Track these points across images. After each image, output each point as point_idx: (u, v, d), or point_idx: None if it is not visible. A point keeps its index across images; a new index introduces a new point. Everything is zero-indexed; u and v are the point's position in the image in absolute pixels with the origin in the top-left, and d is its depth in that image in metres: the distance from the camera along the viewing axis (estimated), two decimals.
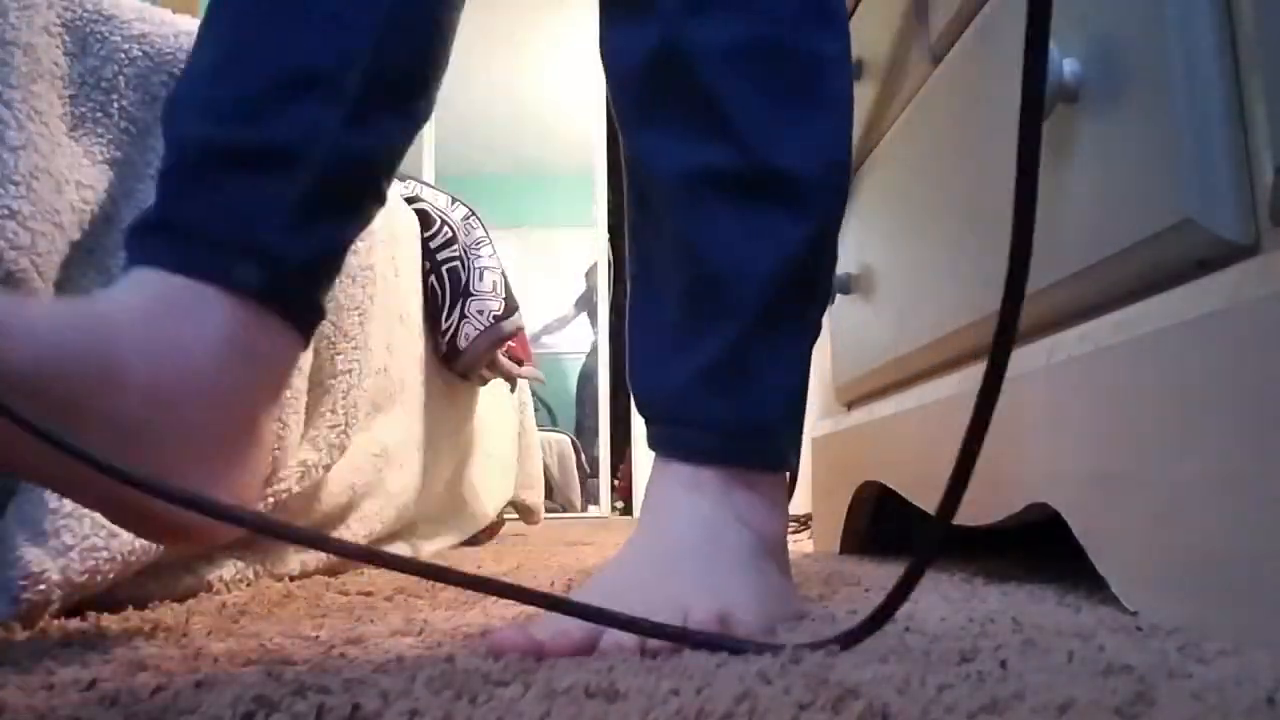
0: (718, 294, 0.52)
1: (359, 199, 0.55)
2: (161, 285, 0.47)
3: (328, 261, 0.55)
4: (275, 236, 0.50)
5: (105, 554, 0.56)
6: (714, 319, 0.52)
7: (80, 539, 0.55)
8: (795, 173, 0.52)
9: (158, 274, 0.47)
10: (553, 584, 0.72)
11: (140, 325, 0.45)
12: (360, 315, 0.87)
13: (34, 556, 0.53)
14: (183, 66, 0.69)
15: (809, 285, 0.53)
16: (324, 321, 0.57)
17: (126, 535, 0.57)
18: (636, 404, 0.57)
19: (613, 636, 0.39)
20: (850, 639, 0.37)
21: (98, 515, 0.55)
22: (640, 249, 0.57)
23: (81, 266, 0.63)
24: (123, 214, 0.66)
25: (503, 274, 1.27)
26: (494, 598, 0.64)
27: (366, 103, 0.53)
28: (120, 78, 0.65)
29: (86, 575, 0.54)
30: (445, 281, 1.19)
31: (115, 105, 0.65)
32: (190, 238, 0.48)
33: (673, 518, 0.50)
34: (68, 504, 0.55)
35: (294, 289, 0.51)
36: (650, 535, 0.50)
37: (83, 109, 0.64)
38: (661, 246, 0.54)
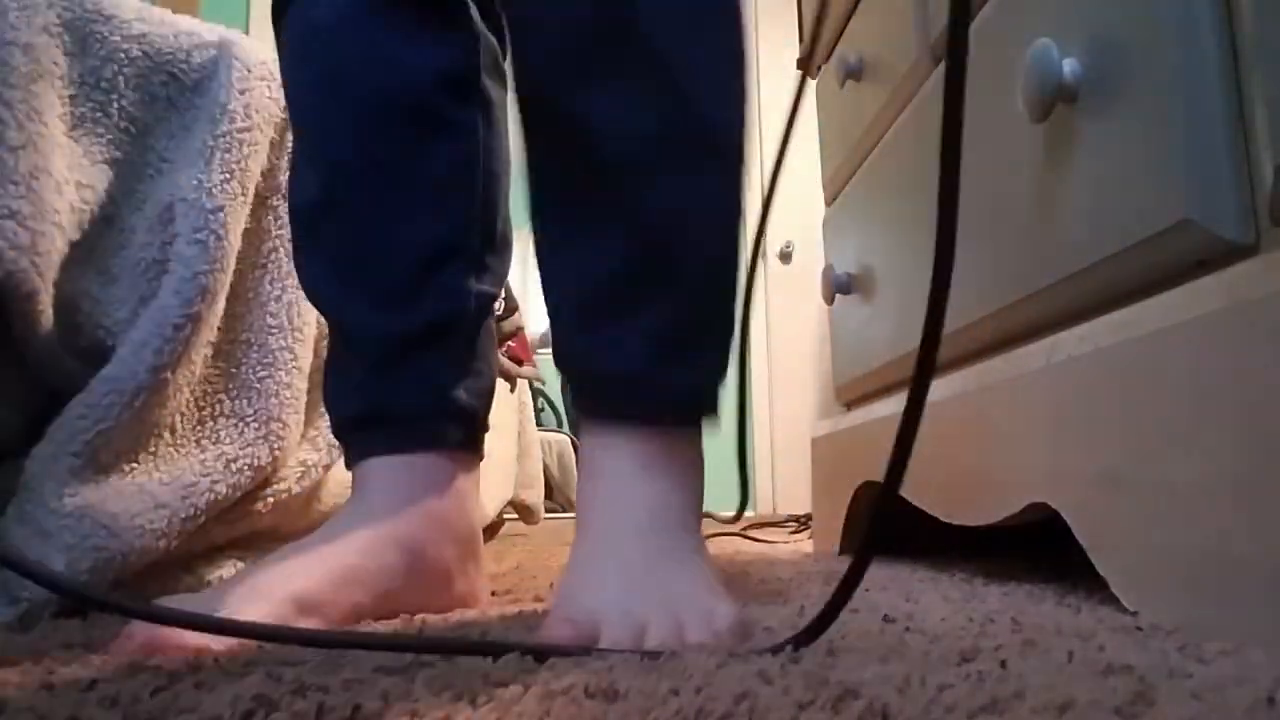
0: (667, 260, 0.52)
1: (490, 329, 0.66)
2: (400, 475, 0.58)
3: (491, 389, 0.66)
4: (460, 392, 0.61)
5: (105, 554, 0.56)
6: (663, 285, 0.52)
7: (80, 539, 0.55)
8: (729, 131, 0.53)
9: (395, 464, 0.58)
10: (552, 584, 0.72)
11: (420, 518, 0.57)
12: None
13: (37, 553, 0.53)
14: (183, 68, 0.69)
15: (738, 246, 0.55)
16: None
17: (127, 536, 0.57)
18: (569, 369, 0.56)
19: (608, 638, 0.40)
20: (805, 638, 0.37)
21: (98, 516, 0.56)
22: (555, 212, 0.55)
23: (81, 266, 0.63)
24: (123, 213, 0.66)
25: None
26: (498, 596, 0.64)
27: (484, 253, 0.64)
28: (120, 78, 0.65)
29: (87, 575, 0.54)
30: None
31: (115, 105, 0.65)
32: (405, 421, 0.59)
33: (626, 498, 0.51)
34: (68, 504, 0.55)
35: (480, 425, 0.64)
36: (607, 535, 0.50)
37: (83, 109, 0.64)
38: (590, 209, 0.53)
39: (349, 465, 0.61)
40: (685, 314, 0.53)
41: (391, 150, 0.60)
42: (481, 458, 0.65)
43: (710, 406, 0.55)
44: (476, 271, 0.63)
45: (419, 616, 0.54)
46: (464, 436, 0.61)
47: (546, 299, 0.56)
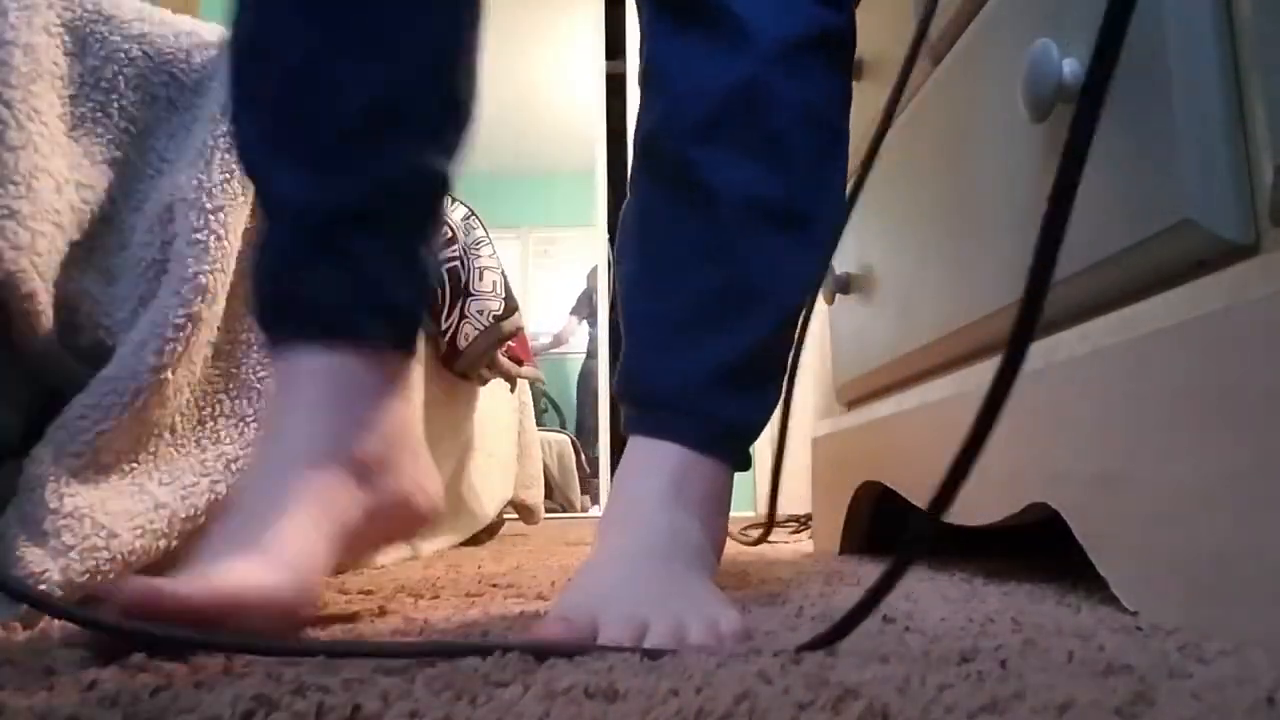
0: (750, 304, 0.58)
1: (439, 218, 0.60)
2: (328, 375, 0.52)
3: (429, 288, 0.60)
4: (396, 285, 0.55)
5: (105, 554, 0.56)
6: (741, 324, 0.58)
7: (80, 539, 0.55)
8: (824, 221, 0.62)
9: (319, 363, 0.52)
10: (553, 583, 0.72)
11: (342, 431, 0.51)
12: None
13: (35, 556, 0.53)
14: (183, 68, 0.69)
15: (801, 314, 0.62)
16: None
17: (127, 536, 0.57)
18: (628, 384, 0.59)
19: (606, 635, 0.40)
20: (831, 637, 0.37)
21: (98, 516, 0.56)
22: (655, 246, 0.60)
23: (81, 266, 0.63)
24: (123, 213, 0.66)
25: (503, 274, 1.27)
26: (499, 596, 0.64)
27: (441, 121, 0.56)
28: (120, 78, 0.65)
29: (87, 575, 0.54)
30: (445, 281, 1.19)
31: (115, 105, 0.65)
32: (330, 311, 0.52)
33: (649, 521, 0.52)
34: (68, 504, 0.55)
35: (411, 326, 0.57)
36: (622, 548, 0.51)
37: (83, 109, 0.64)
38: (690, 247, 0.58)
39: (271, 352, 0.55)
40: (748, 354, 0.58)
41: None
42: (413, 357, 0.58)
43: (744, 448, 0.59)
44: (429, 141, 0.55)
45: (421, 618, 0.54)
46: (396, 335, 0.55)
47: (624, 316, 0.61)
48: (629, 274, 0.62)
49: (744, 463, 0.59)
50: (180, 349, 0.62)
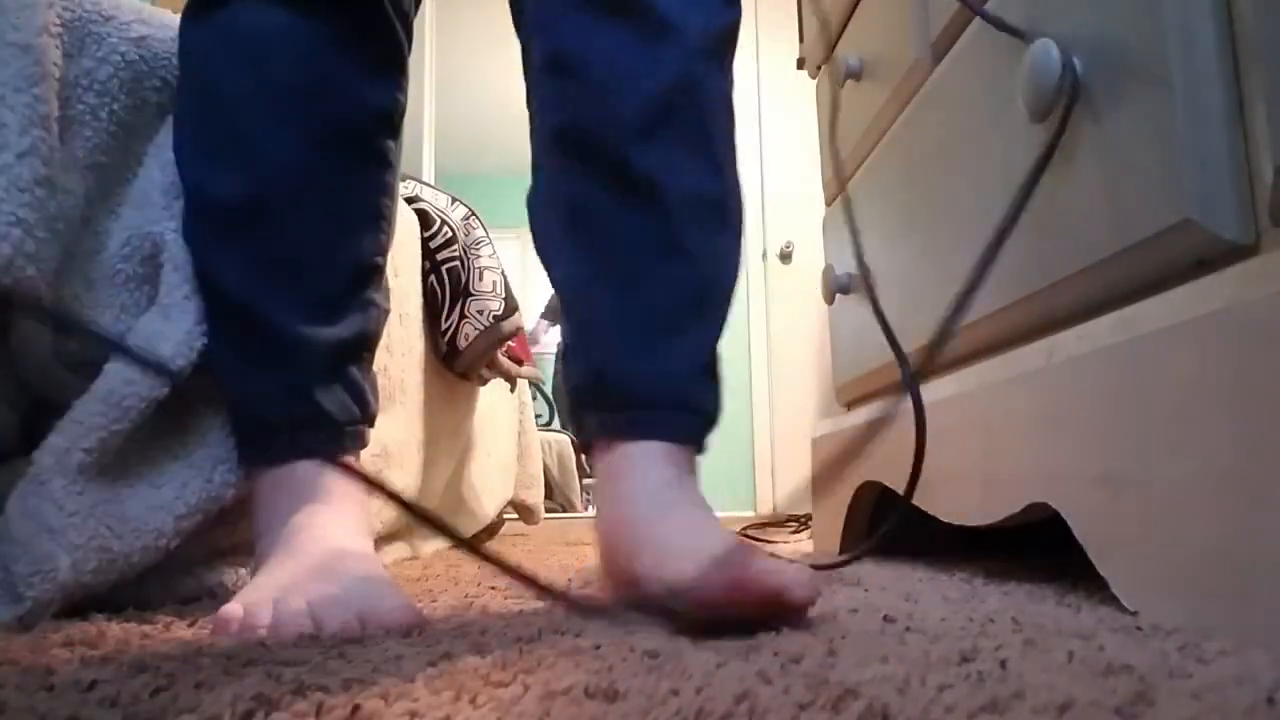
0: (710, 297, 0.60)
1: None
2: (334, 481, 0.62)
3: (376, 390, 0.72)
4: (371, 397, 0.68)
5: (109, 555, 0.56)
6: (707, 318, 0.60)
7: (87, 539, 0.55)
8: (741, 208, 0.64)
9: (317, 473, 0.62)
10: (569, 580, 0.72)
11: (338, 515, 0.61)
12: None
13: (43, 552, 0.53)
14: (177, 72, 0.68)
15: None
16: None
17: (129, 537, 0.57)
18: (606, 389, 0.59)
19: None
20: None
21: (102, 517, 0.56)
22: (600, 245, 0.60)
23: (68, 272, 0.62)
24: (98, 215, 0.65)
25: (502, 274, 1.27)
26: (499, 596, 0.64)
27: (383, 273, 0.71)
28: (114, 80, 0.64)
29: (92, 574, 0.55)
30: (445, 281, 1.19)
31: (107, 109, 0.64)
32: (338, 426, 0.65)
33: (674, 502, 0.55)
34: (74, 503, 0.55)
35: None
36: (658, 513, 0.54)
37: (74, 111, 0.62)
38: (642, 246, 0.59)
39: (263, 460, 0.62)
40: (711, 344, 0.60)
41: (335, 172, 0.65)
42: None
43: (713, 429, 0.62)
44: (382, 288, 0.70)
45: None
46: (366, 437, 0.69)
47: (577, 317, 0.61)
48: (572, 275, 0.61)
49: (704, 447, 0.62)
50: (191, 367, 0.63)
